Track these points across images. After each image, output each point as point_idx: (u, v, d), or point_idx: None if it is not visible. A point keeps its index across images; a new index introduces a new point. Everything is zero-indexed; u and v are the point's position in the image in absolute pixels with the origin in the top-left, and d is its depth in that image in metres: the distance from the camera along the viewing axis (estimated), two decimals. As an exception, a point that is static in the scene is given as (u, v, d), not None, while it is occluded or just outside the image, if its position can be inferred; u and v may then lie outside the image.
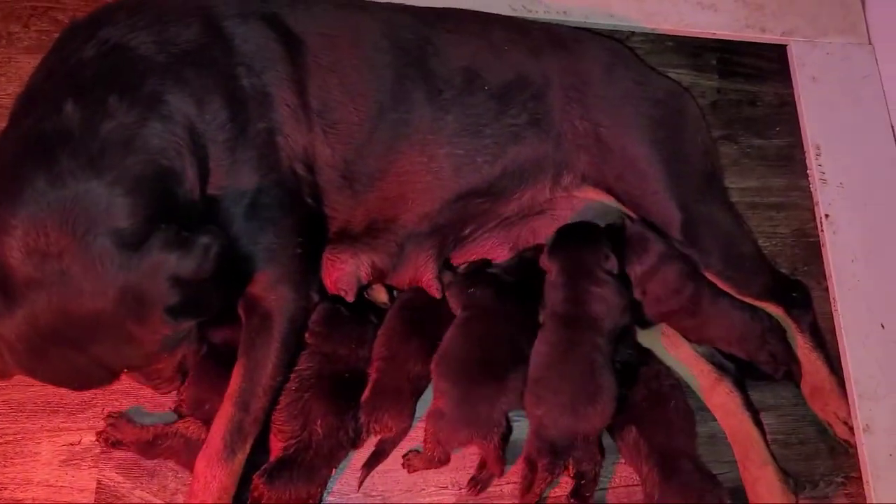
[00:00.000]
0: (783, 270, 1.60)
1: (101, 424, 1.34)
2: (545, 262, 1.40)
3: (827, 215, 1.64)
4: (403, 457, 1.35)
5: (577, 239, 1.42)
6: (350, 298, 1.38)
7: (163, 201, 1.11)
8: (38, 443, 1.33)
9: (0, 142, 1.13)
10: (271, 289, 1.28)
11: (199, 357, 1.29)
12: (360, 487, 1.35)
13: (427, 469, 1.35)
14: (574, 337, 1.32)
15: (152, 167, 1.11)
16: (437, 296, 1.42)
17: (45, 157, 1.06)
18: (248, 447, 1.25)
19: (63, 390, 1.31)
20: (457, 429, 1.30)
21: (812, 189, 1.69)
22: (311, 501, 1.27)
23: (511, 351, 1.36)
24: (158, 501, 1.32)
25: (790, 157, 1.74)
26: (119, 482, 1.32)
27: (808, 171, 1.71)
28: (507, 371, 1.33)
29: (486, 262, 1.48)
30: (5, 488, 1.30)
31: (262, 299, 1.28)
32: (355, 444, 1.33)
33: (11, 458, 1.32)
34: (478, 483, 1.34)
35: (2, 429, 1.34)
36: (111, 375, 1.15)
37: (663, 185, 1.41)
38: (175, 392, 1.32)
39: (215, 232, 1.10)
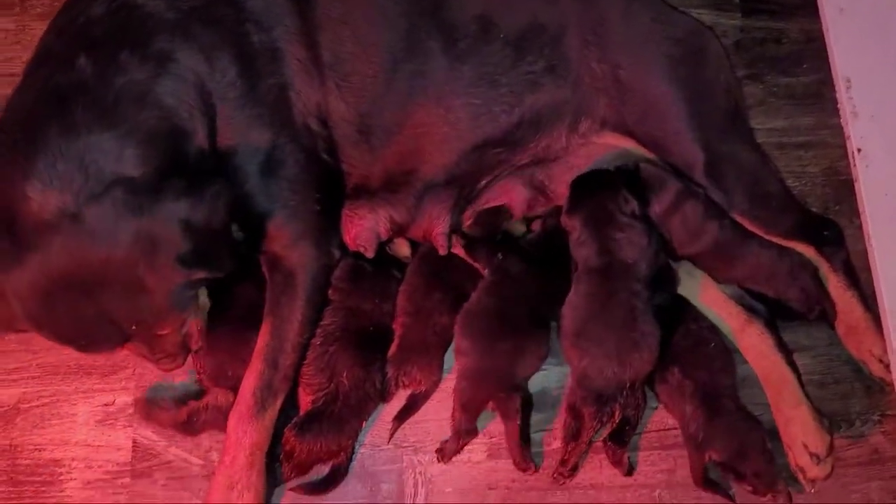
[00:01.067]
0: (814, 210, 1.55)
1: (132, 385, 1.36)
2: (566, 221, 1.38)
3: (859, 149, 1.58)
4: (437, 451, 1.35)
5: (592, 188, 1.38)
6: (370, 254, 1.38)
7: (174, 157, 1.12)
8: (74, 404, 1.36)
9: (14, 95, 1.15)
10: (293, 246, 1.28)
11: (211, 326, 1.27)
12: (390, 439, 1.36)
13: (460, 450, 1.33)
14: (611, 286, 1.30)
15: (165, 124, 1.12)
16: (443, 252, 1.40)
17: (60, 109, 1.07)
18: (278, 403, 1.27)
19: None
20: (478, 385, 1.30)
21: (843, 123, 1.63)
22: (342, 453, 1.29)
23: (533, 317, 1.35)
24: (193, 458, 1.35)
25: (818, 95, 1.67)
26: (154, 441, 1.35)
27: (838, 106, 1.65)
28: (528, 334, 1.33)
29: (500, 210, 1.45)
30: (44, 449, 1.34)
31: (283, 258, 1.28)
32: (383, 396, 1.34)
33: (49, 420, 1.36)
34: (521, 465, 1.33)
35: (38, 391, 1.37)
36: (118, 334, 1.12)
37: (685, 125, 1.37)
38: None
39: (223, 183, 1.12)
